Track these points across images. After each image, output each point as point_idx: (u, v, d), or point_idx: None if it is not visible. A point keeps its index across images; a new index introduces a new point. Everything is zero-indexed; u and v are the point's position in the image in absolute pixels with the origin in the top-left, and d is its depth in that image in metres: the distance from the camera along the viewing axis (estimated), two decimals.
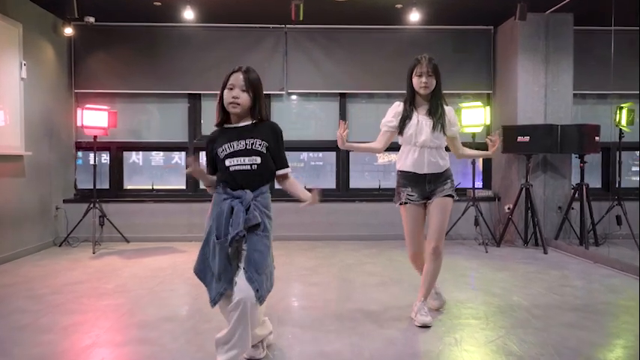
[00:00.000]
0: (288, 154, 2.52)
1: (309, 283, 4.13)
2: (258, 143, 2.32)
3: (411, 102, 3.11)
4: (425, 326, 2.99)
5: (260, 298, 2.22)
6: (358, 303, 3.52)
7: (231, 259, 2.26)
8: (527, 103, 5.79)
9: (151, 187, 6.41)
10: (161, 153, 6.55)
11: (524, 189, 5.64)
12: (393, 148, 3.26)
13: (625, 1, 4.87)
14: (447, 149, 3.18)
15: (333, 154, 6.47)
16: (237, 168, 2.30)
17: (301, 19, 5.05)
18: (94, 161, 5.75)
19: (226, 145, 2.32)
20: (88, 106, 5.53)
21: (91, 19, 5.89)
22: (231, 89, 2.33)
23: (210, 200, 2.40)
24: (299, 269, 4.59)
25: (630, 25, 5.24)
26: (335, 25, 6.19)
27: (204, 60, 6.11)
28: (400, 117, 3.10)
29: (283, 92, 6.28)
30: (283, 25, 6.18)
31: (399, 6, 5.44)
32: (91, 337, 2.85)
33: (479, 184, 6.51)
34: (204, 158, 2.49)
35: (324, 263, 4.87)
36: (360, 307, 3.41)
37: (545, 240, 5.51)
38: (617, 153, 5.60)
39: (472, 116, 5.69)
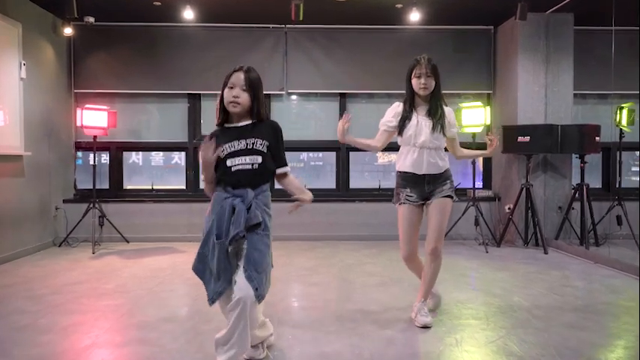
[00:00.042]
0: (288, 154, 2.52)
1: (309, 283, 4.12)
2: (259, 143, 2.33)
3: (410, 103, 3.10)
4: (425, 327, 2.98)
5: (259, 297, 2.22)
6: (358, 303, 3.52)
7: (231, 259, 2.26)
8: (527, 103, 5.79)
9: (150, 187, 6.41)
10: (161, 153, 6.55)
11: (524, 189, 5.64)
12: (393, 148, 3.25)
13: (625, 1, 4.87)
14: (446, 151, 3.18)
15: (333, 154, 6.47)
16: (238, 167, 2.30)
17: (301, 19, 5.05)
18: (94, 161, 5.74)
19: (227, 145, 2.31)
20: (87, 106, 5.52)
21: (91, 19, 5.88)
22: (232, 88, 2.32)
23: (209, 200, 2.39)
24: (299, 269, 4.59)
25: (631, 25, 5.24)
26: (335, 25, 6.19)
27: (204, 60, 6.11)
28: (400, 117, 3.09)
29: (283, 92, 6.27)
30: (283, 25, 6.18)
31: (399, 6, 5.43)
32: (90, 338, 2.84)
33: (479, 184, 6.50)
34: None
35: (324, 263, 4.86)
36: (360, 308, 3.40)
37: (545, 240, 5.51)
38: (618, 153, 5.59)
39: (472, 116, 5.69)
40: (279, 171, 2.43)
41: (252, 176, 2.31)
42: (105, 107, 5.64)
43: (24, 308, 3.40)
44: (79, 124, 5.56)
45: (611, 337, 2.94)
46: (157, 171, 6.59)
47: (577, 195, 5.57)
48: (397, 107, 3.14)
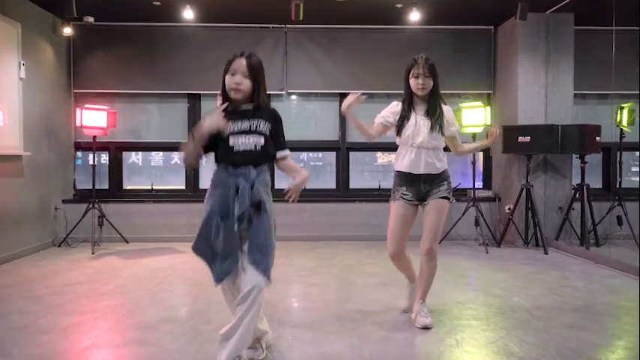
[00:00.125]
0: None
1: (308, 283, 4.12)
2: (262, 124, 2.35)
3: (408, 103, 3.10)
4: (425, 327, 2.98)
5: (267, 280, 2.27)
6: (358, 304, 3.51)
7: (237, 238, 2.28)
8: (527, 103, 5.78)
9: (150, 188, 6.40)
10: (160, 153, 6.54)
11: (524, 189, 5.63)
12: (393, 148, 3.24)
13: (625, 1, 4.86)
14: (447, 150, 3.18)
15: (333, 154, 6.46)
16: (241, 148, 2.31)
17: (301, 18, 5.04)
18: (94, 161, 5.73)
19: (230, 124, 2.32)
20: (87, 106, 5.51)
21: (90, 19, 5.88)
22: (234, 75, 2.33)
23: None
24: (299, 270, 4.58)
25: (631, 25, 5.23)
26: (335, 25, 6.18)
27: (204, 60, 6.09)
28: (398, 117, 3.09)
29: (283, 92, 6.27)
30: (283, 25, 6.17)
31: (399, 6, 5.43)
32: (90, 338, 2.84)
33: (479, 184, 6.49)
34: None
35: (324, 264, 4.85)
36: (360, 308, 3.40)
37: (545, 240, 5.50)
38: (618, 153, 5.58)
39: (472, 116, 5.68)
40: (279, 154, 2.45)
41: (254, 157, 2.33)
42: (104, 107, 5.63)
43: (24, 308, 3.39)
44: (78, 124, 5.55)
45: (611, 337, 2.94)
46: (156, 171, 6.58)
47: (577, 195, 5.57)
48: (396, 106, 3.13)
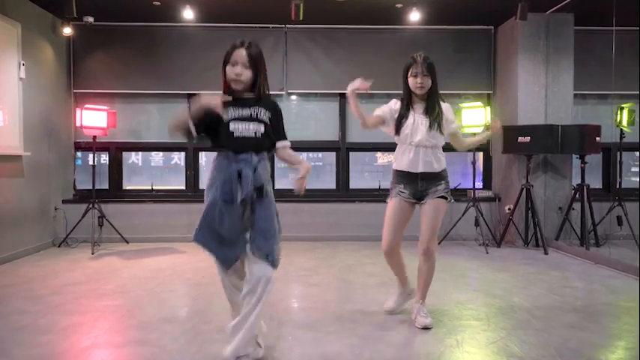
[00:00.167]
0: None
1: (308, 283, 4.11)
2: (262, 112, 2.36)
3: (407, 101, 3.10)
4: (425, 328, 2.97)
5: (273, 263, 2.29)
6: (358, 304, 3.51)
7: (241, 222, 2.29)
8: (527, 104, 5.78)
9: (150, 188, 6.40)
10: (160, 153, 6.54)
11: (524, 189, 5.63)
12: (393, 148, 3.24)
13: (625, 1, 4.86)
14: (447, 150, 3.17)
15: (333, 154, 6.45)
16: (241, 134, 2.32)
17: (301, 18, 5.04)
18: (93, 161, 5.72)
19: (231, 108, 2.33)
20: (87, 106, 5.51)
21: (90, 19, 5.87)
22: (234, 65, 2.34)
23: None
24: (299, 270, 4.58)
25: (631, 25, 5.23)
26: (335, 25, 6.18)
27: (204, 60, 6.09)
28: (397, 115, 3.09)
29: (283, 92, 6.26)
30: (283, 25, 6.17)
31: (399, 6, 5.43)
32: (90, 338, 2.83)
33: (479, 184, 6.49)
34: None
35: (324, 264, 4.85)
36: (360, 309, 3.39)
37: (545, 241, 5.50)
38: (618, 153, 5.58)
39: (472, 116, 5.68)
40: (279, 144, 2.46)
41: (254, 144, 2.33)
42: (104, 107, 5.63)
43: (24, 308, 3.39)
44: (78, 124, 5.55)
45: (611, 337, 2.94)
46: (156, 171, 6.58)
47: (577, 195, 5.57)
48: (395, 104, 3.14)
